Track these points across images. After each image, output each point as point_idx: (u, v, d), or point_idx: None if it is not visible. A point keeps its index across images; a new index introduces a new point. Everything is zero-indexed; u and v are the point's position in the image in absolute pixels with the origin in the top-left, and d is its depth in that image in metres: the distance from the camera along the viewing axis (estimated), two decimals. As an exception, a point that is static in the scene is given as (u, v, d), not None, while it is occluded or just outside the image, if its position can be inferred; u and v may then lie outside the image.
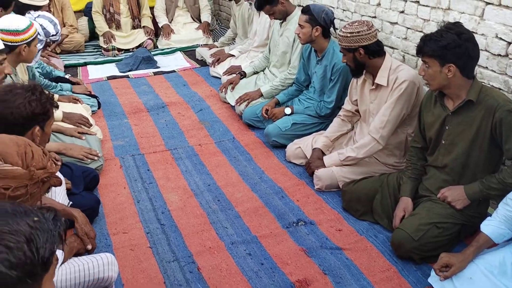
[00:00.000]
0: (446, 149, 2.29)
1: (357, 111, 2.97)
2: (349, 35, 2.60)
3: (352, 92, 2.97)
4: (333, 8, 3.79)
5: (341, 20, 3.80)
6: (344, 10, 3.78)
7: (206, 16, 5.99)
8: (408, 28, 3.10)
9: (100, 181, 2.85)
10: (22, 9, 3.68)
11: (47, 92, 1.88)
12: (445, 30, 2.10)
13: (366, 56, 2.62)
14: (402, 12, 3.13)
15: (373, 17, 3.44)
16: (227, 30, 5.61)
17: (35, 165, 1.21)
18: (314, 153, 2.94)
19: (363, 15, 3.56)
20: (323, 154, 2.94)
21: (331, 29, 3.21)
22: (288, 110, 3.42)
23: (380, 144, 2.67)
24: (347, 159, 2.76)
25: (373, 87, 2.73)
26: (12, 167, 1.18)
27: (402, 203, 2.40)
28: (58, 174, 2.33)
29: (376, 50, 2.64)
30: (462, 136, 2.21)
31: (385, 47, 3.21)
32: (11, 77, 2.41)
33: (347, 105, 3.01)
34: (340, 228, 2.49)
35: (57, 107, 1.93)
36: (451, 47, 2.05)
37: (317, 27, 3.12)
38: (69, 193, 2.42)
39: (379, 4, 3.37)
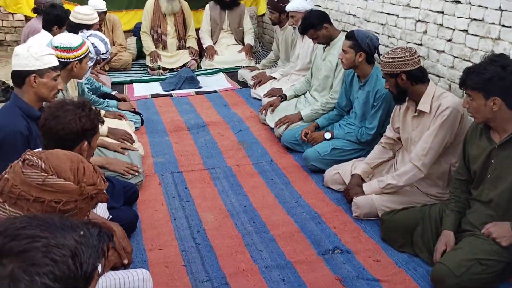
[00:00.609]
0: (491, 184, 2.20)
1: (399, 138, 2.91)
2: (391, 60, 2.57)
3: (394, 119, 2.91)
4: (378, 34, 3.77)
5: (386, 46, 3.76)
6: (389, 36, 3.75)
7: (249, 39, 6.09)
8: (456, 57, 3.04)
9: (139, 196, 2.90)
10: (75, 28, 3.86)
11: (94, 108, 1.94)
12: (489, 62, 2.06)
13: (408, 82, 2.58)
14: (450, 40, 3.07)
15: (419, 44, 3.39)
16: (269, 53, 5.68)
17: (86, 181, 1.25)
18: (353, 180, 2.89)
19: (408, 42, 3.51)
20: (363, 181, 2.88)
21: (376, 55, 3.18)
22: (328, 135, 3.39)
23: (422, 172, 2.60)
24: (387, 187, 2.69)
25: (416, 114, 2.67)
26: (65, 182, 1.21)
27: (444, 236, 2.30)
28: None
29: (419, 76, 2.60)
30: (509, 170, 2.12)
31: (430, 76, 3.17)
32: (62, 92, 2.51)
33: (389, 132, 2.95)
34: (378, 258, 2.41)
35: (103, 122, 2.00)
36: (495, 80, 2.00)
37: (361, 53, 3.10)
38: (109, 207, 2.47)
39: (425, 32, 3.32)
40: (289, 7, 4.45)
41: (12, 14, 6.27)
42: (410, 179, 2.62)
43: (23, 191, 1.17)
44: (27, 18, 5.71)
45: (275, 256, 2.43)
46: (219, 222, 2.73)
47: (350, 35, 3.16)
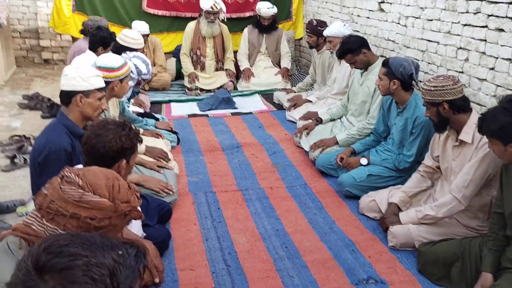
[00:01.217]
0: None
1: (438, 167, 2.83)
2: (433, 88, 2.53)
3: (434, 147, 2.84)
4: (418, 60, 3.72)
5: (426, 73, 3.71)
6: (429, 63, 3.70)
7: (286, 62, 6.14)
8: (498, 85, 2.95)
9: (173, 215, 2.93)
10: (120, 50, 4.00)
11: (134, 128, 1.99)
12: (500, 109, 2.06)
13: (450, 111, 2.53)
14: (492, 69, 3.00)
15: (460, 72, 3.32)
16: (306, 76, 5.70)
17: (120, 199, 1.27)
18: (390, 208, 2.82)
19: (449, 70, 3.45)
20: (399, 210, 2.81)
21: (413, 82, 3.13)
22: (364, 161, 3.34)
23: (462, 204, 2.51)
24: (425, 217, 2.61)
25: (457, 143, 2.60)
26: (100, 198, 1.24)
27: (482, 279, 2.22)
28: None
29: (462, 106, 2.54)
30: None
31: (472, 104, 3.08)
32: (104, 111, 2.59)
33: (428, 160, 2.88)
34: (413, 291, 2.33)
35: (141, 141, 2.04)
36: (508, 128, 2.00)
37: (395, 80, 3.07)
38: (143, 224, 2.50)
39: (467, 60, 3.26)
40: (327, 32, 4.47)
41: (60, 34, 6.57)
42: (449, 211, 2.54)
43: (60, 207, 1.20)
44: (74, 39, 5.98)
45: (307, 283, 2.38)
46: (251, 245, 2.71)
47: (385, 63, 3.15)
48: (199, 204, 3.17)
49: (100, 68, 2.74)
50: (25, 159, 3.56)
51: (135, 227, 2.38)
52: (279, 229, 2.89)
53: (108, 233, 1.24)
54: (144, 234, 2.40)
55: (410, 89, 3.14)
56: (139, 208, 2.38)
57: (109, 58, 2.84)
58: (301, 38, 6.94)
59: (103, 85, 2.37)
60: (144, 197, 2.72)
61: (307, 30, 5.02)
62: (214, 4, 5.62)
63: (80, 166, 2.04)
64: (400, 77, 3.06)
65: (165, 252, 2.58)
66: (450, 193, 2.55)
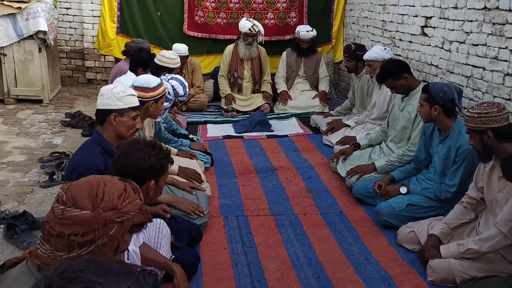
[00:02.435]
0: None
1: (483, 199, 2.67)
2: (476, 115, 2.41)
3: (478, 178, 2.68)
4: (462, 86, 3.57)
5: (471, 99, 3.55)
6: (474, 89, 3.54)
7: (324, 86, 6.08)
8: (551, 113, 2.77)
9: (203, 238, 2.88)
10: (158, 70, 4.07)
11: (165, 148, 1.97)
12: None
13: (495, 139, 2.39)
14: (544, 95, 2.82)
15: (507, 99, 3.16)
16: (344, 100, 5.61)
17: (103, 207, 1.20)
18: (430, 240, 2.66)
19: (495, 96, 3.29)
20: (440, 242, 2.65)
21: (457, 109, 2.99)
22: (403, 189, 3.19)
23: (508, 239, 2.34)
24: (467, 251, 2.45)
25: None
26: (80, 211, 1.18)
27: None
28: (164, 226, 2.40)
29: (508, 134, 2.40)
30: None
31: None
32: (138, 130, 2.60)
33: (472, 191, 2.71)
34: (455, 332, 2.16)
35: (172, 162, 2.02)
36: None
37: (436, 106, 2.94)
38: (173, 246, 2.47)
39: (515, 86, 3.09)
40: (366, 56, 4.39)
41: (104, 55, 6.80)
42: (494, 246, 2.37)
43: (51, 227, 1.17)
44: (117, 60, 6.16)
45: (339, 317, 2.26)
46: (282, 273, 2.61)
47: (425, 88, 3.04)
48: (230, 228, 3.11)
49: (136, 88, 2.78)
50: (63, 176, 3.63)
51: (164, 249, 2.35)
52: (312, 257, 2.78)
53: (105, 247, 1.19)
54: (173, 256, 2.36)
55: (453, 115, 3.00)
56: (163, 226, 2.36)
57: (146, 78, 2.87)
58: (340, 62, 6.88)
59: (137, 104, 2.38)
60: (174, 218, 2.70)
61: (345, 55, 4.96)
62: (252, 27, 5.67)
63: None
64: (441, 103, 2.94)
65: (193, 276, 2.52)
66: (495, 227, 2.38)
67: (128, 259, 1.57)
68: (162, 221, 2.43)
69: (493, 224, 2.45)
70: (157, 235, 2.33)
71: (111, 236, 1.20)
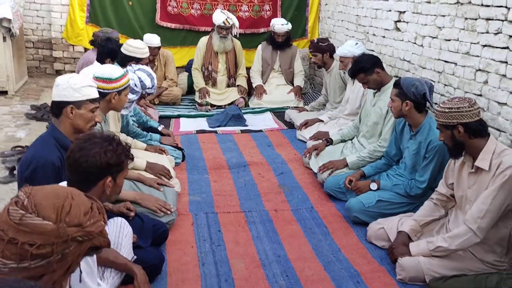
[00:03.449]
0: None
1: (453, 195, 2.65)
2: (447, 110, 2.37)
3: (448, 174, 2.66)
4: (434, 82, 3.56)
5: (442, 95, 3.54)
6: (446, 85, 3.53)
7: (299, 81, 6.02)
8: (520, 110, 2.77)
9: (169, 236, 2.78)
10: (125, 60, 3.93)
11: (124, 144, 1.86)
12: None
13: (466, 135, 2.36)
14: (514, 92, 2.82)
15: (478, 95, 3.15)
16: (319, 95, 5.56)
17: (68, 221, 1.11)
18: (400, 237, 2.63)
19: (467, 92, 3.28)
20: (410, 239, 2.62)
21: (428, 104, 2.97)
22: (374, 185, 3.16)
23: (478, 237, 2.32)
24: (437, 249, 2.42)
25: (473, 170, 2.43)
26: (42, 221, 1.09)
27: None
28: (125, 226, 2.30)
29: (479, 130, 2.37)
30: None
31: (490, 129, 2.92)
32: (100, 124, 2.48)
33: (442, 188, 2.69)
34: (422, 331, 2.13)
35: (132, 159, 1.91)
36: None
37: (407, 101, 2.91)
38: (135, 246, 2.37)
39: (486, 82, 3.09)
40: (338, 52, 4.36)
41: (73, 46, 6.58)
42: (464, 243, 2.35)
43: (2, 231, 1.07)
44: (86, 50, 5.96)
45: (306, 317, 2.20)
46: (249, 272, 2.54)
47: (396, 83, 3.00)
48: (199, 225, 3.02)
49: (97, 78, 2.65)
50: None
51: (125, 249, 2.25)
52: (281, 255, 2.72)
53: (57, 264, 1.09)
54: (135, 257, 2.26)
55: (424, 111, 2.98)
56: (124, 225, 2.26)
57: (108, 68, 2.73)
58: (315, 56, 6.82)
59: (96, 96, 2.25)
60: (139, 216, 2.59)
61: (311, 50, 4.92)
62: (226, 19, 5.55)
63: (62, 183, 1.92)
64: (413, 98, 2.90)
65: (157, 277, 2.42)
66: (465, 224, 2.37)
67: (80, 281, 1.46)
68: (123, 219, 2.33)
69: (462, 221, 2.44)
70: (118, 234, 2.22)
71: (67, 254, 1.12)
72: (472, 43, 3.22)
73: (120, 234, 2.23)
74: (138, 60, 3.96)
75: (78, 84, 2.16)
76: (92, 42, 4.72)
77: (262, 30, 6.76)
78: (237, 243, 2.83)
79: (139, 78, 3.23)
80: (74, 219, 1.12)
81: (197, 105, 5.76)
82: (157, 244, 2.63)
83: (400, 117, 3.04)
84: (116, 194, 1.90)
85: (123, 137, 3.40)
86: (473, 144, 2.38)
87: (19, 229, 1.06)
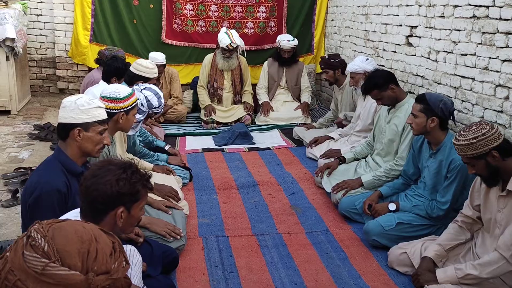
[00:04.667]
0: None
1: (479, 218, 2.50)
2: (474, 140, 2.21)
3: (474, 195, 2.52)
4: (451, 97, 3.43)
5: (459, 111, 3.42)
6: (463, 101, 3.41)
7: (306, 97, 5.92)
8: (547, 126, 2.65)
9: (180, 262, 2.64)
10: (132, 79, 3.83)
11: (143, 172, 1.73)
12: None
13: (500, 158, 2.22)
14: (539, 108, 2.70)
15: (499, 111, 3.03)
16: (327, 111, 5.45)
17: (96, 270, 1.00)
18: (424, 263, 2.48)
19: (486, 108, 3.16)
20: (435, 265, 2.47)
21: (450, 121, 2.85)
22: (392, 206, 3.02)
23: (511, 265, 2.18)
24: (466, 277, 2.27)
25: (503, 193, 2.28)
26: (68, 271, 0.97)
27: None
28: (135, 254, 2.16)
29: (508, 148, 2.24)
30: None
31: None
32: (107, 146, 2.36)
33: (467, 210, 2.55)
34: None
35: (152, 189, 1.78)
36: None
37: (433, 118, 2.78)
38: (145, 274, 2.22)
39: (507, 98, 2.96)
40: (349, 68, 4.26)
41: (77, 64, 6.51)
42: (495, 271, 2.21)
43: (19, 280, 0.93)
44: (90, 69, 5.89)
45: None
46: (266, 302, 2.39)
47: (421, 98, 2.86)
48: (210, 250, 2.87)
49: (104, 98, 2.53)
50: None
51: (135, 279, 2.09)
52: (298, 282, 2.57)
53: None
54: (145, 287, 2.11)
55: (446, 128, 2.85)
56: (135, 254, 2.11)
57: (115, 88, 2.62)
58: (321, 72, 6.74)
59: (105, 117, 2.13)
60: (148, 242, 2.45)
61: (322, 67, 4.82)
62: (230, 44, 5.47)
63: (76, 211, 1.79)
64: (440, 115, 2.78)
65: (168, 308, 2.28)
66: (497, 251, 2.22)
67: None
68: (133, 247, 2.18)
69: (490, 246, 2.30)
70: (127, 264, 2.08)
71: None
72: (490, 57, 3.11)
73: (130, 264, 2.09)
74: (146, 80, 3.87)
75: (86, 106, 2.04)
76: (97, 61, 4.64)
77: (267, 46, 6.69)
78: (251, 270, 2.68)
79: (145, 97, 3.12)
80: (102, 266, 1.01)
81: (202, 122, 5.65)
82: (167, 272, 2.49)
83: (421, 134, 2.91)
84: (132, 227, 1.78)
85: (130, 158, 3.27)
86: (505, 166, 2.24)
87: (42, 280, 0.94)
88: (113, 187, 1.61)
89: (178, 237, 2.70)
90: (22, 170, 3.87)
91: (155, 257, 2.39)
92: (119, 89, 2.60)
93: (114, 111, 2.55)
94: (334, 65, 4.65)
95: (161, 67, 5.35)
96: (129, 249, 2.17)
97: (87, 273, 0.98)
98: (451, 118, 2.83)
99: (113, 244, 1.09)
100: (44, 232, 1.00)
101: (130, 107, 2.62)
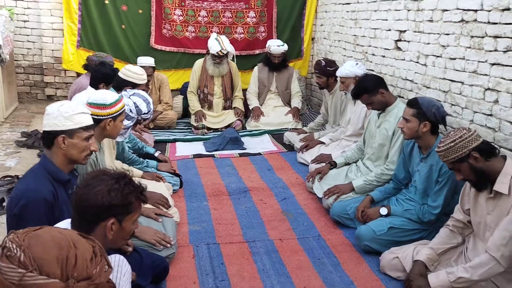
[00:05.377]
0: None
1: (470, 222, 2.50)
2: (452, 144, 2.26)
3: (464, 199, 2.52)
4: (440, 101, 3.44)
5: (449, 115, 3.42)
6: (453, 104, 3.42)
7: (296, 102, 5.92)
8: (536, 130, 2.66)
9: (170, 271, 2.60)
10: (121, 85, 3.80)
11: (138, 183, 1.70)
12: None
13: (482, 159, 2.24)
14: (528, 111, 2.71)
15: (488, 114, 3.04)
16: (317, 115, 5.45)
17: (76, 276, 0.97)
18: (416, 268, 2.47)
19: (476, 112, 3.17)
20: (427, 269, 2.46)
21: (442, 125, 2.85)
22: (384, 211, 3.01)
23: (501, 266, 2.18)
24: (458, 280, 2.26)
25: (491, 195, 2.29)
26: (47, 280, 0.94)
27: None
28: (124, 263, 2.12)
29: (490, 149, 2.27)
30: None
31: (503, 150, 2.81)
32: (95, 154, 2.32)
33: (458, 214, 2.55)
34: None
35: (146, 201, 1.75)
36: None
37: (426, 122, 2.78)
38: (134, 284, 2.18)
39: (496, 101, 2.98)
40: (338, 73, 4.25)
41: (65, 70, 6.44)
42: (486, 273, 2.20)
43: None
44: (79, 75, 5.83)
45: None
46: (258, 310, 2.36)
47: (413, 103, 2.86)
48: (200, 258, 2.84)
49: (90, 104, 2.49)
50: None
51: (124, 289, 2.06)
52: (290, 289, 2.54)
53: None
54: (134, 298, 2.07)
55: (437, 133, 2.85)
56: (123, 264, 2.07)
57: (101, 94, 2.58)
58: (311, 77, 6.76)
59: (90, 123, 2.09)
60: (137, 251, 2.41)
61: (316, 71, 4.81)
62: (220, 51, 5.45)
63: (66, 221, 1.74)
64: (433, 119, 2.78)
65: (158, 318, 2.24)
66: (487, 252, 2.22)
67: None
68: (122, 257, 2.13)
69: (482, 249, 2.29)
70: (116, 274, 2.03)
71: None
72: (479, 61, 3.12)
73: (118, 274, 2.04)
74: (135, 86, 3.83)
75: (69, 112, 2.00)
76: (85, 67, 4.59)
77: (257, 51, 6.69)
78: (242, 278, 2.65)
79: (134, 103, 3.09)
80: (82, 272, 0.98)
81: (193, 128, 5.62)
82: (157, 282, 2.45)
83: (412, 138, 2.91)
84: (123, 240, 1.74)
85: (119, 165, 3.23)
86: (490, 167, 2.26)
87: None
88: (104, 197, 1.58)
89: (168, 245, 2.66)
90: (9, 178, 3.80)
91: (145, 266, 2.35)
92: (106, 95, 2.56)
93: (101, 117, 2.51)
94: (329, 72, 4.65)
95: (150, 69, 5.30)
96: (118, 258, 2.13)
97: (67, 280, 0.95)
98: (443, 124, 2.83)
99: (93, 249, 1.06)
100: (19, 242, 0.97)
101: (117, 113, 2.58)
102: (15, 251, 0.95)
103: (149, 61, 5.30)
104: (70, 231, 1.10)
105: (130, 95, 3.07)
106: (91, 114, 2.18)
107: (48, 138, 2.01)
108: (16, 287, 0.92)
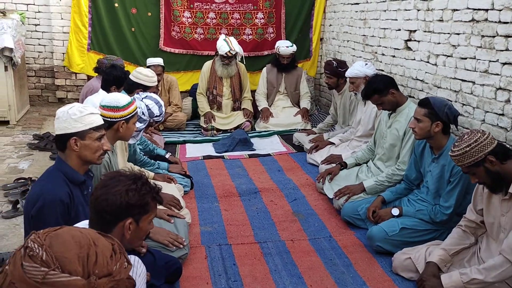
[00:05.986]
0: None
1: (483, 222, 2.49)
2: (468, 149, 2.24)
3: (477, 199, 2.51)
4: (451, 101, 3.44)
5: (460, 115, 3.41)
6: (464, 104, 3.41)
7: (305, 103, 5.92)
8: (549, 129, 2.65)
9: (183, 271, 2.61)
10: (132, 88, 3.83)
11: (153, 185, 1.73)
12: None
13: (498, 162, 2.22)
14: (541, 110, 2.70)
15: (500, 114, 3.03)
16: (326, 116, 5.45)
17: (97, 273, 0.99)
18: (429, 269, 2.47)
19: (487, 111, 3.16)
20: (440, 270, 2.46)
21: (454, 126, 2.84)
22: (395, 211, 3.01)
23: (516, 268, 2.16)
24: (472, 281, 2.26)
25: (506, 197, 2.28)
26: (70, 277, 0.96)
27: None
28: (139, 264, 2.14)
29: (504, 151, 2.25)
30: None
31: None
32: (108, 153, 2.35)
33: (471, 214, 2.54)
34: None
35: (161, 202, 1.78)
36: None
37: (438, 122, 2.78)
38: (149, 284, 2.20)
39: (508, 101, 2.96)
40: (348, 73, 4.25)
41: (76, 73, 6.50)
42: (501, 275, 2.19)
43: None
44: (89, 78, 5.88)
45: None
46: (271, 310, 2.37)
47: (425, 103, 2.85)
48: (213, 259, 2.85)
49: (103, 107, 2.52)
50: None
51: (139, 290, 2.08)
52: (302, 290, 2.55)
53: None
54: (149, 298, 2.09)
55: (448, 133, 2.85)
56: (139, 264, 2.10)
57: (114, 97, 2.61)
58: (319, 78, 6.76)
59: (100, 122, 2.12)
60: (151, 252, 2.43)
61: (327, 72, 4.81)
62: (229, 51, 5.48)
63: (84, 222, 1.77)
64: (445, 119, 2.77)
65: (173, 318, 2.26)
66: (501, 254, 2.21)
67: None
68: (137, 257, 2.15)
69: (495, 251, 2.28)
70: (132, 274, 2.06)
71: None
72: (490, 61, 3.11)
73: (134, 274, 2.06)
74: (145, 88, 3.86)
75: (78, 114, 2.03)
76: (96, 69, 4.64)
77: (266, 52, 6.70)
78: (255, 278, 2.66)
79: (146, 106, 3.11)
80: (103, 268, 1.00)
81: (202, 130, 5.64)
82: (170, 282, 2.47)
83: (424, 138, 2.90)
84: (140, 240, 1.77)
85: (131, 167, 3.26)
86: (506, 170, 2.24)
87: None
88: (123, 197, 1.61)
89: (181, 246, 2.68)
90: (22, 180, 3.85)
91: (158, 267, 2.36)
92: (119, 97, 2.59)
93: (114, 119, 2.54)
94: (340, 73, 4.65)
95: (159, 68, 5.32)
96: (133, 259, 2.15)
97: (88, 277, 0.97)
98: (455, 124, 2.82)
99: (112, 246, 1.08)
100: (41, 241, 1.00)
101: (130, 116, 2.61)
102: (37, 250, 0.98)
103: (158, 60, 5.35)
104: (89, 230, 1.13)
105: (142, 98, 3.10)
106: (104, 117, 2.21)
107: (61, 141, 2.04)
108: (40, 285, 0.94)
